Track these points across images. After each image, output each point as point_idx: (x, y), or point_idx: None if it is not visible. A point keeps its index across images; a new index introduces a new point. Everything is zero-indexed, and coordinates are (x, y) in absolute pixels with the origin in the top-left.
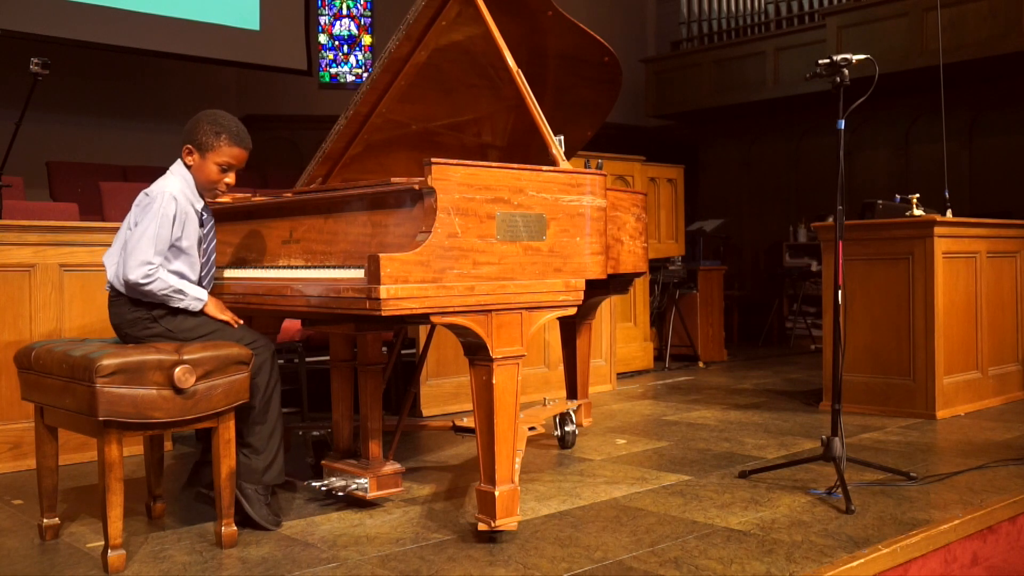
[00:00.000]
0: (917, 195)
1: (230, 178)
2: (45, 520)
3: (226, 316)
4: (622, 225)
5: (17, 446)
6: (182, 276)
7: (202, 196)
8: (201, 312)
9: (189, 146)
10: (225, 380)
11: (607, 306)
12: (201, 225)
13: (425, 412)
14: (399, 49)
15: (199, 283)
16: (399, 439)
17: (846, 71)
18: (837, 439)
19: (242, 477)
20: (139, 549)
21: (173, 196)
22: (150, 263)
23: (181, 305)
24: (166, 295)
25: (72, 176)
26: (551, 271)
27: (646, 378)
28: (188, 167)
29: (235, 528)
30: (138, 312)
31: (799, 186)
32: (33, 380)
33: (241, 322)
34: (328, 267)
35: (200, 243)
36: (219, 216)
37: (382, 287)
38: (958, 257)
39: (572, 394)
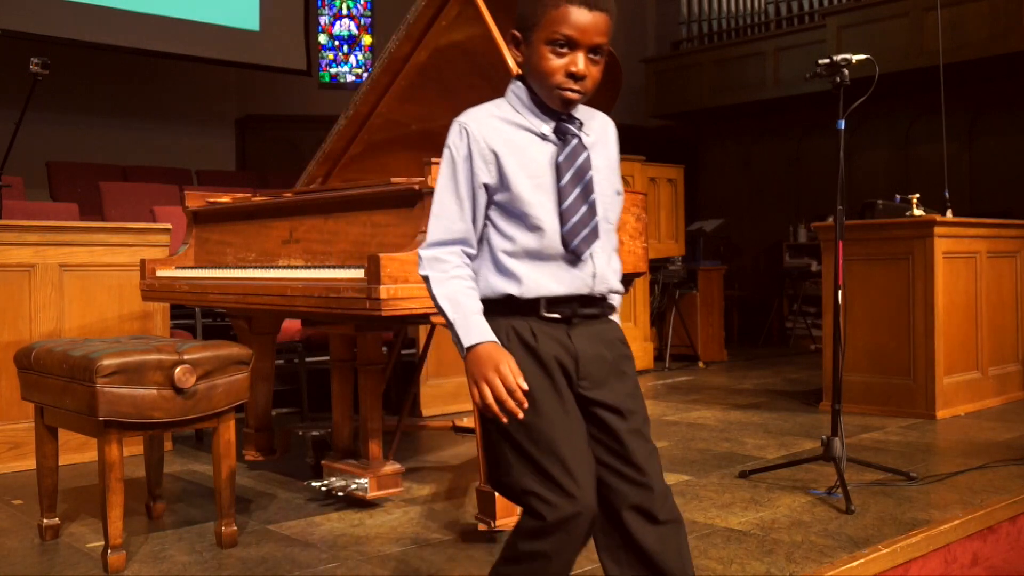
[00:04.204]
0: (917, 195)
1: (576, 63)
2: (45, 520)
3: (492, 385)
4: (622, 225)
5: (17, 446)
6: (519, 252)
7: (550, 109)
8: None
9: (513, 31)
10: (225, 380)
11: None
12: (557, 158)
13: (425, 412)
14: (399, 49)
15: (566, 247)
16: (399, 439)
17: (846, 71)
18: (837, 439)
19: None
20: (139, 549)
21: (460, 125)
22: (424, 248)
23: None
24: (436, 304)
25: (72, 176)
26: None
27: (646, 378)
28: (519, 74)
29: (235, 528)
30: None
31: (799, 186)
32: (33, 380)
33: (520, 411)
34: (328, 267)
35: (559, 183)
36: (219, 216)
37: (382, 287)
38: (958, 257)
39: None
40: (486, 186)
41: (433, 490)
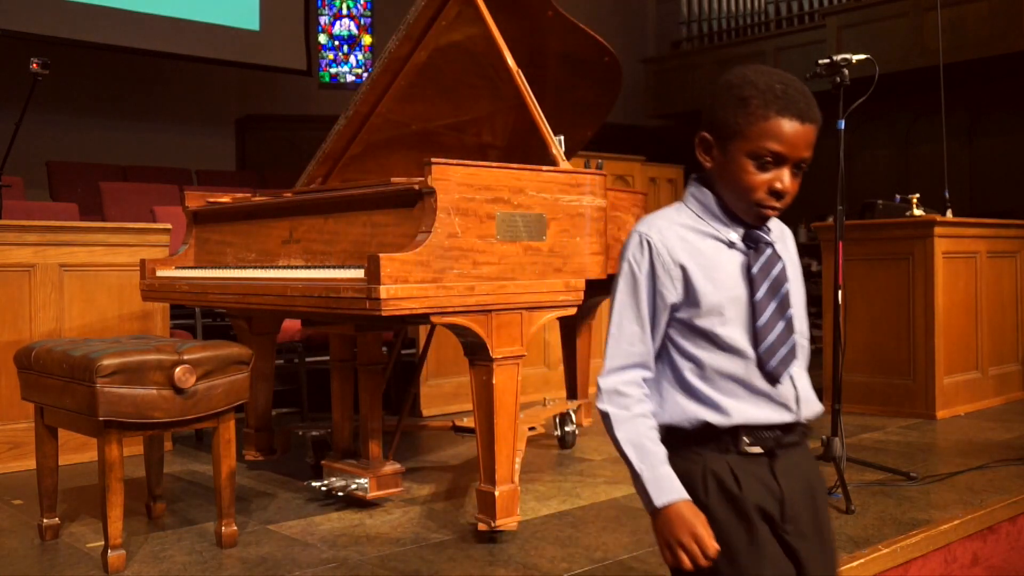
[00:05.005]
0: (917, 195)
1: (782, 180)
2: (45, 520)
3: (690, 551)
4: (622, 225)
5: (17, 446)
6: (710, 375)
7: (741, 217)
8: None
9: (704, 134)
10: (225, 380)
11: (607, 306)
12: (750, 269)
13: (425, 412)
14: (399, 49)
15: (761, 368)
16: (399, 439)
17: (846, 71)
18: (837, 439)
19: None
20: (139, 549)
21: (641, 236)
22: (604, 376)
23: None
24: (618, 447)
25: (72, 176)
26: (551, 271)
27: None
28: (704, 176)
29: (235, 528)
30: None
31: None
32: (33, 380)
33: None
34: (328, 267)
35: (753, 298)
36: (218, 216)
37: (382, 287)
38: (958, 257)
39: (572, 394)
40: (672, 304)
41: (433, 490)
